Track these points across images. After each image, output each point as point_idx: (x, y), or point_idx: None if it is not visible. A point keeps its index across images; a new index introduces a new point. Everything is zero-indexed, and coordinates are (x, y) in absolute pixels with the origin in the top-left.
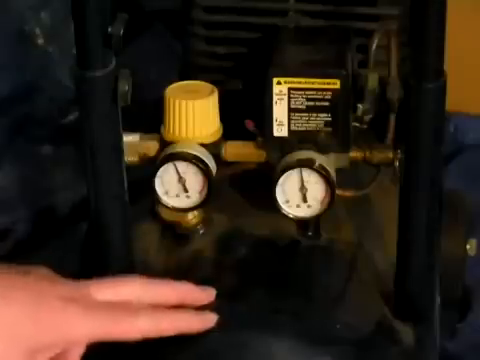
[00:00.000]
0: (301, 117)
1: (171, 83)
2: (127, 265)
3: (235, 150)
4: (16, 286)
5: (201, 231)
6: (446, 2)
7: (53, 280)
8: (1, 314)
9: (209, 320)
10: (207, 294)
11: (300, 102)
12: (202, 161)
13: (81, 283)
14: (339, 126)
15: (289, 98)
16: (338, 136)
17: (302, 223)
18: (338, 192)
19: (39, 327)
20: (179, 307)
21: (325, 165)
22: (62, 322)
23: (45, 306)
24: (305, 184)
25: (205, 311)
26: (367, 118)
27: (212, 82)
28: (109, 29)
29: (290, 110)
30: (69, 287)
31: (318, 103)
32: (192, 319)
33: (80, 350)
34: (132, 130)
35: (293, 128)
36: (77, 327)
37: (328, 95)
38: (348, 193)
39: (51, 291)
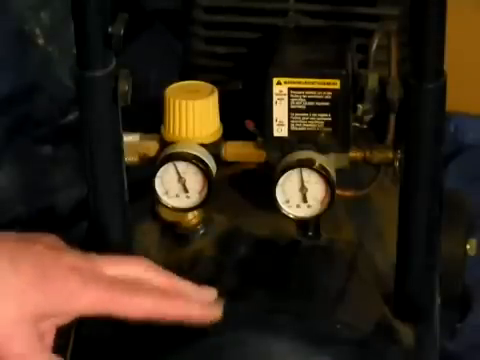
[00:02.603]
0: (301, 117)
1: (171, 83)
2: None
3: (235, 150)
4: (24, 256)
5: (201, 231)
6: (446, 2)
7: (60, 249)
8: (10, 283)
9: (214, 313)
10: (208, 294)
11: (300, 102)
12: (202, 161)
13: (89, 256)
14: (339, 126)
15: (289, 98)
16: (338, 136)
17: (302, 223)
18: (338, 192)
19: (45, 295)
20: None
21: (325, 165)
22: (65, 291)
23: (51, 275)
24: (305, 184)
25: (214, 303)
26: (367, 118)
27: (212, 82)
28: (109, 29)
29: (290, 110)
30: (75, 257)
31: (318, 103)
32: (197, 308)
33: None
34: (132, 130)
35: (293, 128)
36: (79, 296)
37: (328, 95)
38: (348, 193)
39: (57, 260)
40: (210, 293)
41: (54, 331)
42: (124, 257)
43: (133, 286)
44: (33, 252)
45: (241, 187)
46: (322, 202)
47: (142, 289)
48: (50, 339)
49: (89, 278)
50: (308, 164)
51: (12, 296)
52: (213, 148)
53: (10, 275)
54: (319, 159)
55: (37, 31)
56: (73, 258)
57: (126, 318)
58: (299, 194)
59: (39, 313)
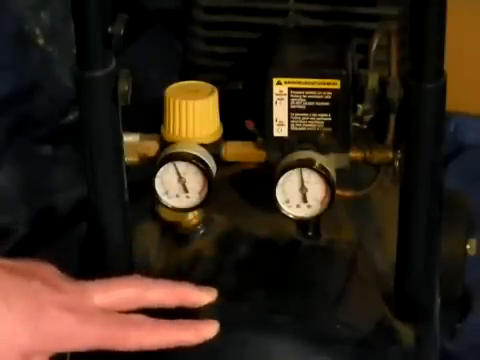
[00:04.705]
0: (301, 117)
1: (171, 83)
2: (127, 265)
3: (235, 150)
4: (18, 292)
5: (201, 231)
6: (446, 2)
7: (55, 286)
8: (3, 322)
9: (209, 332)
10: (208, 294)
11: (300, 102)
12: (202, 161)
13: (83, 287)
14: (339, 126)
15: (289, 98)
16: (338, 136)
17: (302, 223)
18: (338, 192)
19: (36, 336)
20: (180, 310)
21: (325, 165)
22: (58, 332)
23: (43, 315)
24: (305, 184)
25: (206, 321)
26: (367, 118)
27: (212, 82)
28: (109, 29)
29: (290, 110)
30: (70, 295)
31: (318, 103)
32: (191, 331)
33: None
34: (132, 130)
35: (293, 128)
36: (72, 338)
37: (328, 95)
38: (348, 193)
39: (51, 299)
40: (210, 293)
41: None
42: (117, 282)
43: (126, 320)
44: (28, 290)
45: (241, 187)
46: (322, 202)
47: (135, 322)
48: None
49: (83, 317)
50: (308, 164)
51: (3, 336)
52: (213, 148)
53: (3, 316)
54: (319, 159)
55: (37, 31)
56: (68, 296)
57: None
58: (299, 194)
59: (27, 352)
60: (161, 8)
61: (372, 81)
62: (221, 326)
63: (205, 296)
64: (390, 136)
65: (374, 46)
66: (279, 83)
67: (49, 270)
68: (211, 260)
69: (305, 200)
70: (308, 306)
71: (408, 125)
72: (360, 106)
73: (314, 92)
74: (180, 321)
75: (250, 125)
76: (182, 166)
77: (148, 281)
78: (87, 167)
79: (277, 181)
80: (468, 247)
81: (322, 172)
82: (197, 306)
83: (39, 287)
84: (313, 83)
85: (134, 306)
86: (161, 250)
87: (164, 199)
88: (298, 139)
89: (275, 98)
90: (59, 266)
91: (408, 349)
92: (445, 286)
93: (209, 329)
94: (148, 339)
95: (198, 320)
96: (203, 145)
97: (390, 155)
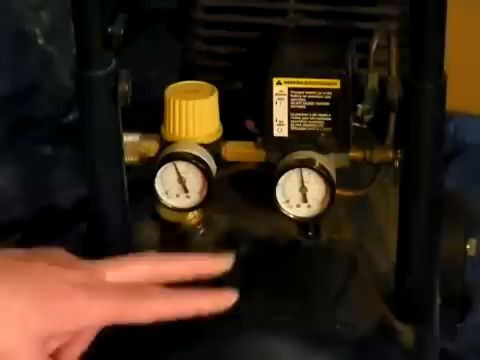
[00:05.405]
0: (301, 117)
1: (171, 83)
2: None
3: (235, 150)
4: (23, 277)
5: (201, 231)
6: (446, 2)
7: (64, 265)
8: (10, 307)
9: (228, 299)
10: (224, 262)
11: (300, 102)
12: (202, 161)
13: (94, 265)
14: (339, 126)
15: (289, 98)
16: (338, 136)
17: (302, 223)
18: (338, 192)
19: (47, 317)
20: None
21: (325, 165)
22: (69, 310)
23: (52, 295)
24: (305, 184)
25: (224, 290)
26: (367, 118)
27: (212, 82)
28: (109, 29)
29: (290, 110)
30: (80, 271)
31: (318, 103)
32: (207, 299)
33: (93, 332)
34: (132, 130)
35: (293, 128)
36: (85, 313)
37: (328, 95)
38: (348, 193)
39: (59, 278)
40: (226, 260)
41: (76, 349)
42: (130, 258)
43: (139, 291)
44: (33, 273)
45: (241, 187)
46: (322, 202)
47: (154, 292)
48: (69, 356)
49: (94, 291)
50: (308, 164)
51: (13, 323)
52: (213, 148)
53: (9, 301)
54: (319, 159)
55: (37, 31)
56: (78, 273)
57: (139, 323)
58: (299, 194)
59: (44, 335)
60: (161, 8)
61: (372, 81)
62: (221, 326)
63: (221, 264)
64: (390, 136)
65: (374, 46)
66: (279, 83)
67: (57, 252)
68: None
69: (305, 200)
70: (308, 306)
71: (408, 125)
72: (360, 106)
73: (314, 92)
74: (196, 290)
75: (250, 125)
76: (182, 166)
77: (161, 256)
78: (87, 167)
79: (277, 181)
80: (468, 247)
81: (322, 172)
82: (214, 275)
83: (45, 268)
84: (313, 83)
85: (148, 281)
86: (161, 250)
87: (164, 199)
88: (298, 139)
89: (275, 98)
90: None
91: (408, 349)
92: (445, 286)
93: (227, 297)
94: (163, 309)
95: (215, 289)
96: (203, 145)
97: (390, 155)
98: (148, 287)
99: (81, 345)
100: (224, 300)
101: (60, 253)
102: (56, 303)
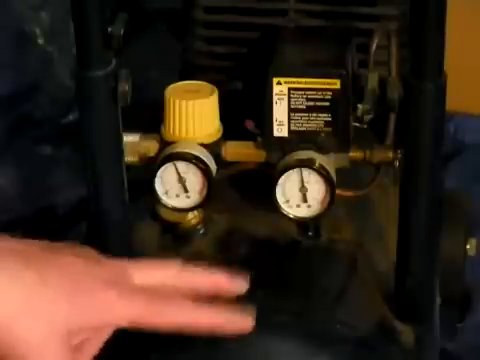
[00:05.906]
0: (301, 117)
1: (171, 83)
2: None
3: (235, 150)
4: (52, 267)
5: (201, 231)
6: (446, 2)
7: (92, 261)
8: (39, 295)
9: (247, 323)
10: (240, 284)
11: (300, 102)
12: (202, 161)
13: (124, 265)
14: (339, 126)
15: (289, 98)
16: (338, 136)
17: (302, 223)
18: (338, 192)
19: (76, 308)
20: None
21: (325, 165)
22: (98, 304)
23: (81, 288)
24: (305, 184)
25: (243, 314)
26: (367, 118)
27: (212, 82)
28: (109, 29)
29: (290, 110)
30: (108, 269)
31: (318, 103)
32: (231, 318)
33: (109, 332)
34: (132, 130)
35: (293, 128)
36: (113, 310)
37: (328, 95)
38: (348, 193)
39: (88, 272)
40: (242, 284)
41: (93, 347)
42: (156, 262)
43: (170, 299)
44: (62, 263)
45: (241, 187)
46: (322, 202)
47: (175, 302)
48: (87, 354)
49: (124, 290)
50: (308, 164)
51: (43, 310)
52: (213, 148)
53: (40, 288)
54: (319, 159)
55: (37, 31)
56: (106, 270)
57: (158, 330)
58: (299, 194)
59: (70, 327)
60: (161, 8)
61: (372, 81)
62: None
63: (240, 286)
64: (390, 136)
65: (374, 46)
66: (279, 83)
67: (84, 248)
68: (211, 260)
69: (305, 200)
70: (308, 306)
71: (408, 125)
72: (360, 106)
73: (314, 92)
74: (220, 307)
75: (250, 125)
76: (182, 166)
77: (189, 265)
78: (87, 167)
79: (277, 181)
80: (468, 247)
81: (322, 172)
82: (231, 295)
83: (73, 260)
84: (313, 83)
85: (171, 289)
86: (161, 250)
87: (164, 199)
88: (298, 139)
89: (275, 98)
90: None
91: (408, 349)
92: (445, 286)
93: (244, 324)
94: (187, 320)
95: (236, 311)
96: (203, 145)
97: (390, 155)
98: (176, 296)
99: (99, 343)
100: (241, 326)
101: (87, 249)
102: (85, 296)
